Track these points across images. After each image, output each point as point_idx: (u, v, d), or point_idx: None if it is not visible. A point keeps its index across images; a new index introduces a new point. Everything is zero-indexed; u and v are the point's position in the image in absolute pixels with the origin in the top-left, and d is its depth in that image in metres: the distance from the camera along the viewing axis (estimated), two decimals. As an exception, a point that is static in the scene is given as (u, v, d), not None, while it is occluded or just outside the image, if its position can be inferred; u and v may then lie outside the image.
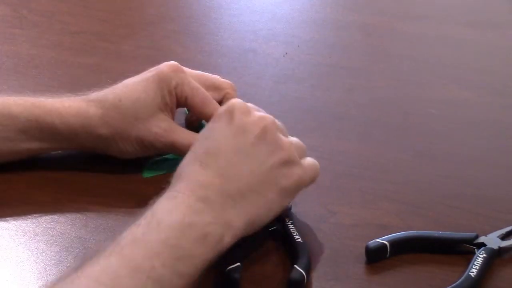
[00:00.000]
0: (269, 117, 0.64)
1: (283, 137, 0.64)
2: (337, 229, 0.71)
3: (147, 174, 0.76)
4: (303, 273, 0.62)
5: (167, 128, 0.73)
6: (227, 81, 0.79)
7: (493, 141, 0.85)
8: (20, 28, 1.04)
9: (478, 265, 0.64)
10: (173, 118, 0.75)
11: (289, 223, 0.68)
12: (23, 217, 0.71)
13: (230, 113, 0.63)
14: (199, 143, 0.63)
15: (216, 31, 1.07)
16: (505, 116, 0.89)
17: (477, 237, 0.67)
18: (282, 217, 0.68)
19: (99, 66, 0.95)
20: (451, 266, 0.66)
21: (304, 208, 0.73)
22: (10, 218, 0.71)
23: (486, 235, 0.68)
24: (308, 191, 0.75)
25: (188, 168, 0.61)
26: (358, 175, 0.78)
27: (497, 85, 0.95)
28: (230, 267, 0.62)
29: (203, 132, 0.64)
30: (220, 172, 0.60)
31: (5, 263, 0.66)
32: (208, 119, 0.72)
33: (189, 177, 0.60)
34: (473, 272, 0.63)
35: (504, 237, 0.68)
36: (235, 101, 0.64)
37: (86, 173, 0.76)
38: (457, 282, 0.63)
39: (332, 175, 0.78)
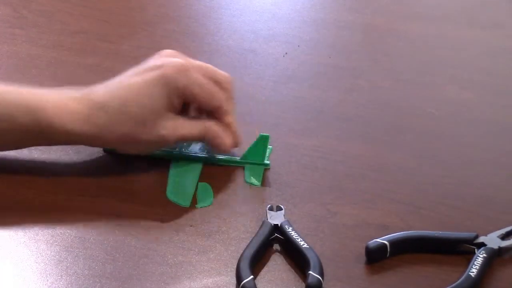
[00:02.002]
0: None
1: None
2: (337, 229, 0.71)
3: (171, 196, 0.74)
4: (320, 278, 0.63)
5: (174, 127, 0.73)
6: (225, 74, 0.77)
7: (493, 141, 0.85)
8: (20, 28, 1.04)
9: (478, 265, 0.64)
10: (179, 112, 0.74)
11: (290, 229, 0.68)
12: (23, 217, 0.71)
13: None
14: None
15: (216, 31, 1.07)
16: (505, 116, 0.89)
17: (477, 237, 0.67)
18: (281, 225, 0.69)
19: (99, 66, 0.95)
20: (451, 266, 0.66)
21: (304, 208, 0.73)
22: (10, 218, 0.71)
23: (486, 235, 0.68)
24: (308, 191, 0.75)
25: None
26: (358, 175, 0.78)
27: (497, 85, 0.96)
28: (244, 281, 0.62)
29: None
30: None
31: (5, 263, 0.66)
32: (214, 111, 0.74)
33: None
34: (473, 272, 0.64)
35: (504, 237, 0.68)
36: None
37: (86, 173, 0.76)
38: (457, 282, 0.63)
39: (332, 175, 0.78)
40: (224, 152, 0.77)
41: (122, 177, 0.76)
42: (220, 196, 0.74)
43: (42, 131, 0.71)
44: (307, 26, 1.11)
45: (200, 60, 1.00)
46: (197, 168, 0.77)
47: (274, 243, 0.68)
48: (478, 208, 0.74)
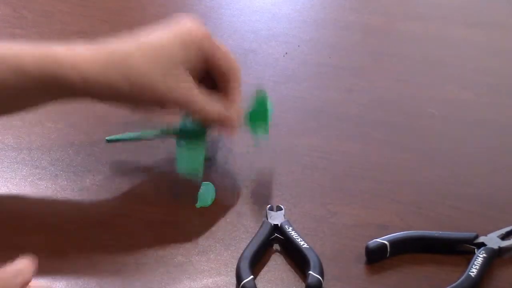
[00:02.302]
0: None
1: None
2: (337, 229, 0.71)
3: (182, 170, 0.74)
4: (320, 278, 0.63)
5: (195, 94, 0.70)
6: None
7: (493, 141, 0.85)
8: (20, 28, 1.04)
9: (478, 265, 0.64)
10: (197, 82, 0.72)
11: (290, 229, 0.68)
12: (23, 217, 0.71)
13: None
14: None
15: (216, 31, 1.07)
16: (505, 116, 0.89)
17: (477, 237, 0.67)
18: (281, 225, 0.69)
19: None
20: (451, 266, 0.66)
21: (304, 208, 0.73)
22: (11, 218, 0.71)
23: (486, 235, 0.68)
24: (308, 191, 0.75)
25: None
26: (358, 175, 0.78)
27: (497, 85, 0.95)
28: (244, 281, 0.62)
29: None
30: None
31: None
32: (228, 81, 0.73)
33: None
34: (473, 272, 0.63)
35: (504, 237, 0.68)
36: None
37: (87, 173, 0.76)
38: (457, 282, 0.63)
39: (332, 175, 0.78)
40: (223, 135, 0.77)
41: (124, 177, 0.76)
42: (220, 196, 0.74)
43: (53, 82, 0.67)
44: (307, 26, 1.11)
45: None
46: (202, 141, 0.75)
47: (274, 243, 0.68)
48: (478, 208, 0.74)
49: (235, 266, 0.64)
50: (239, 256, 0.65)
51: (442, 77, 0.97)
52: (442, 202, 0.74)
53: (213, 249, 0.68)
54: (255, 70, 0.97)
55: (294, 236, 0.67)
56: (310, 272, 0.63)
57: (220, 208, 0.73)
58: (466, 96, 0.93)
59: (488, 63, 1.01)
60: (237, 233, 0.70)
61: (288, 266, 0.66)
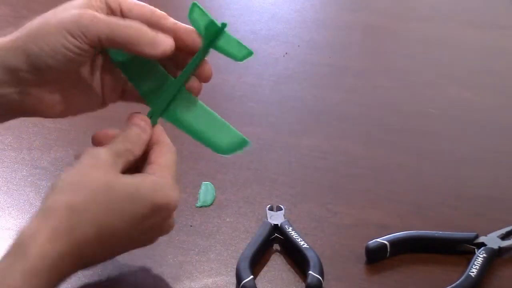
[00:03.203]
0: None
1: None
2: (337, 229, 0.71)
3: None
4: (320, 278, 0.63)
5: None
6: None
7: (493, 141, 0.85)
8: (20, 28, 1.04)
9: (478, 265, 0.64)
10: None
11: (290, 229, 0.68)
12: (23, 217, 0.71)
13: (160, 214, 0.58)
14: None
15: (216, 31, 1.07)
16: (505, 116, 0.89)
17: (477, 237, 0.67)
18: (281, 225, 0.69)
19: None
20: (451, 266, 0.66)
21: (304, 208, 0.73)
22: (10, 218, 0.71)
23: (486, 235, 0.68)
24: (308, 191, 0.75)
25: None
26: (358, 175, 0.78)
27: (497, 85, 0.96)
28: (244, 281, 0.62)
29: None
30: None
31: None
32: (148, 17, 0.61)
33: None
34: (473, 272, 0.64)
35: (504, 237, 0.68)
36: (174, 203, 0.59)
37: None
38: (457, 282, 0.63)
39: (332, 175, 0.78)
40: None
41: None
42: (220, 196, 0.74)
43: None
44: (307, 26, 1.11)
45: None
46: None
47: (274, 243, 0.68)
48: (478, 208, 0.73)
49: (235, 266, 0.64)
50: (239, 256, 0.65)
51: (442, 77, 0.97)
52: (442, 202, 0.74)
53: (213, 249, 0.68)
54: (255, 70, 0.97)
55: (294, 236, 0.67)
56: (310, 272, 0.63)
57: (220, 208, 0.73)
58: (466, 96, 0.93)
59: (488, 63, 1.01)
60: (237, 233, 0.70)
61: (288, 266, 0.66)
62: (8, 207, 0.72)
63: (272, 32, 1.07)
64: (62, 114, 0.62)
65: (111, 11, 0.60)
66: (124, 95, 0.65)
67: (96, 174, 0.56)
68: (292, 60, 1.00)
